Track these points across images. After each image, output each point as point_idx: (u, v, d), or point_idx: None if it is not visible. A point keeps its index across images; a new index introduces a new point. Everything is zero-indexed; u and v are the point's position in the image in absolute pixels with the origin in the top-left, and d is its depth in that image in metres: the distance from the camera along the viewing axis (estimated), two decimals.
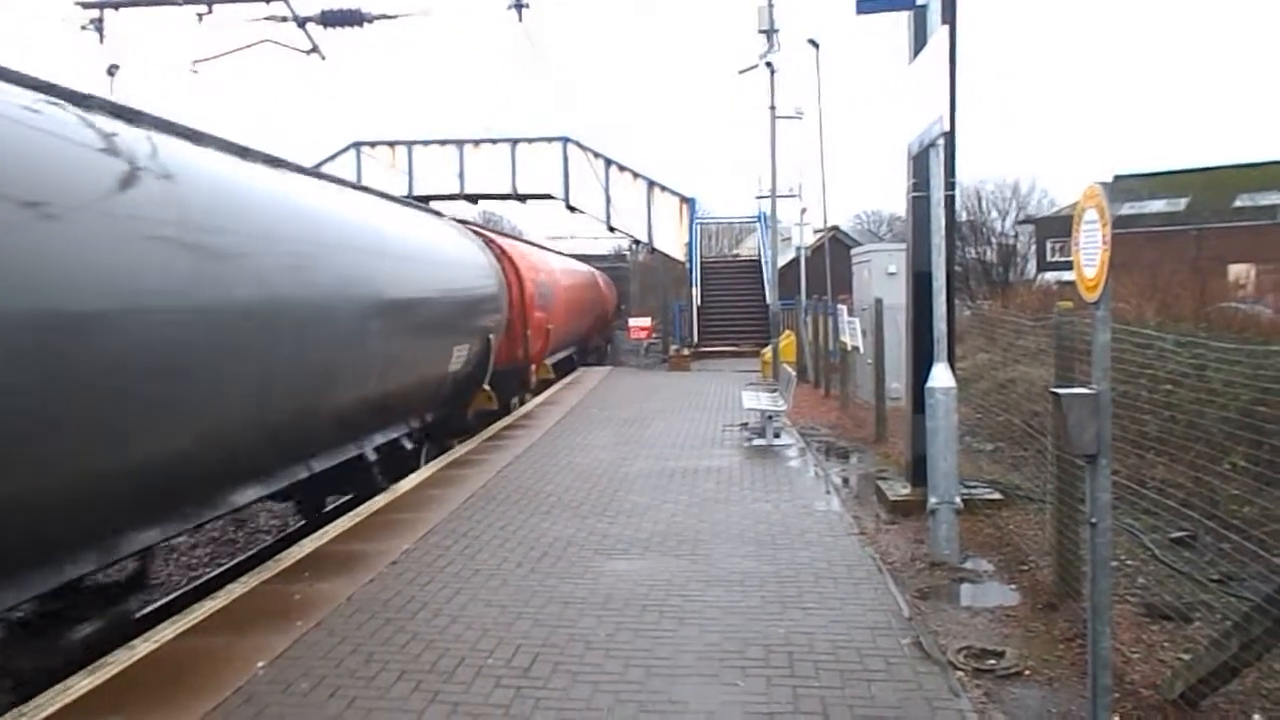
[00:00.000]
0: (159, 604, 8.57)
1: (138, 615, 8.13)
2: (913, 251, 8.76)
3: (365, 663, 5.23)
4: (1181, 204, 45.19)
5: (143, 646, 5.47)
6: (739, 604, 6.08)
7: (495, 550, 7.43)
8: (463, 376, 13.43)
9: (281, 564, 7.15)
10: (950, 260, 7.96)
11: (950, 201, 8.18)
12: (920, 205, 8.26)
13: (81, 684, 4.96)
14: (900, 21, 8.75)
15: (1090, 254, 4.17)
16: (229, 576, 8.44)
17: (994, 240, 49.06)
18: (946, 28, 7.06)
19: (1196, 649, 4.72)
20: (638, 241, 33.89)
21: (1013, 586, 6.60)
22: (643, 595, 6.29)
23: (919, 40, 7.94)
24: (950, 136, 7.62)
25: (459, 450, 12.34)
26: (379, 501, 9.23)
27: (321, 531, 8.11)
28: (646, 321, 31.39)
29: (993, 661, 5.22)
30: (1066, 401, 4.12)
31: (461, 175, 31.95)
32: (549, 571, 6.85)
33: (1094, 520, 4.12)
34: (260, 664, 5.20)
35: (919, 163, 8.17)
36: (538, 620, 5.84)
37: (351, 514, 8.74)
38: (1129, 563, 6.45)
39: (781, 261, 27.85)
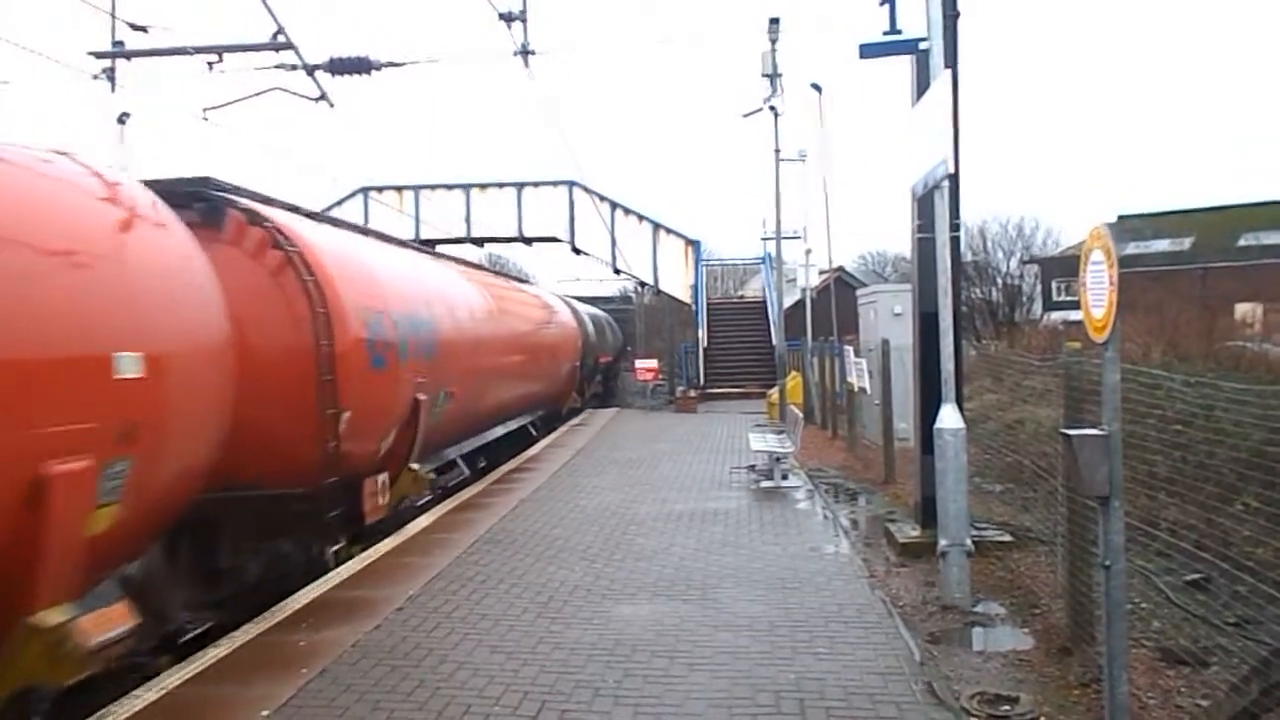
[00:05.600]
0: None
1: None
2: (919, 292, 8.77)
3: (371, 711, 5.17)
4: (1186, 243, 45.31)
5: (146, 695, 5.42)
6: (749, 649, 6.01)
7: (502, 595, 7.37)
8: None
9: (287, 610, 7.09)
10: (956, 300, 7.97)
11: (955, 242, 8.19)
12: (925, 246, 8.28)
13: None
14: (904, 65, 8.84)
15: (1098, 294, 4.16)
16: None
17: (999, 280, 49.11)
18: (949, 71, 7.13)
19: (1215, 695, 4.64)
20: (643, 284, 33.98)
21: (1026, 630, 6.52)
22: (651, 640, 6.22)
23: (922, 83, 8.01)
24: (954, 178, 7.65)
25: (466, 493, 12.29)
26: (385, 546, 9.18)
27: (327, 577, 8.06)
28: (653, 363, 31.34)
29: (1007, 707, 5.14)
30: (1078, 443, 4.09)
31: (468, 219, 32.12)
32: (556, 616, 6.79)
33: (1108, 563, 4.08)
34: (265, 713, 5.14)
35: (924, 204, 8.20)
36: (544, 666, 5.77)
37: (357, 559, 8.69)
38: (1143, 606, 6.36)
39: (787, 303, 27.92)
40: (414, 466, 10.36)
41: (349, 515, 8.94)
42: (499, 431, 15.89)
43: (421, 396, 10.19)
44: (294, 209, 9.52)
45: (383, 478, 9.64)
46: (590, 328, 28.00)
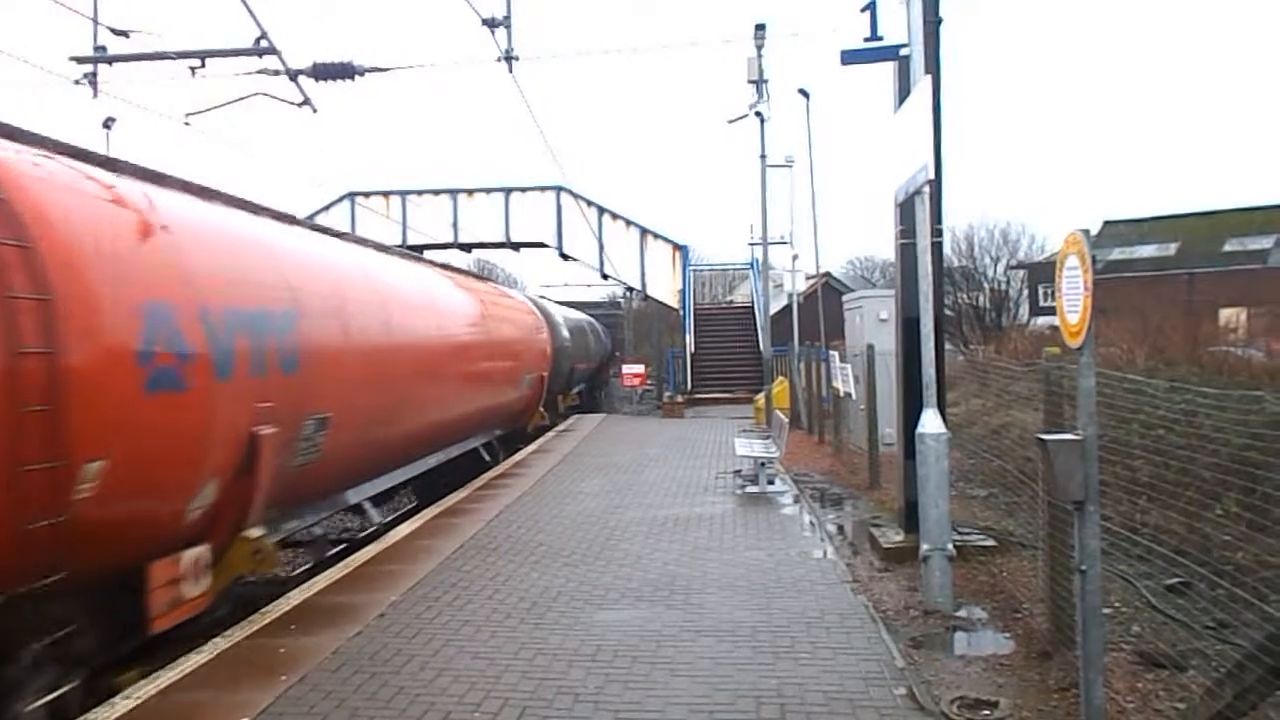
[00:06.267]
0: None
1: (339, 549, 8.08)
2: (902, 298, 8.80)
3: (349, 717, 5.15)
4: (1172, 248, 45.58)
5: (124, 703, 5.38)
6: (730, 654, 6.01)
7: (484, 601, 7.35)
8: None
9: (268, 617, 7.06)
10: (939, 306, 7.99)
11: (938, 248, 8.22)
12: (908, 252, 8.30)
13: None
14: (888, 71, 8.87)
15: (1073, 300, 4.18)
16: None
17: (986, 285, 49.30)
18: (929, 78, 7.15)
19: (1191, 698, 4.66)
20: (631, 289, 34.04)
21: (1007, 634, 6.53)
22: (633, 646, 6.21)
23: (904, 90, 8.04)
24: (936, 184, 7.68)
25: (451, 499, 12.26)
26: (369, 552, 9.15)
27: (309, 583, 8.03)
28: (640, 369, 31.42)
29: (986, 712, 5.15)
30: (1053, 448, 4.11)
31: (455, 224, 32.15)
32: (538, 623, 6.78)
33: (1083, 567, 4.09)
34: None
35: (906, 210, 8.23)
36: (526, 673, 5.76)
37: (340, 565, 8.66)
38: (1123, 610, 6.40)
39: (774, 308, 28.00)
40: (253, 533, 7.10)
41: (116, 626, 6.10)
42: (431, 462, 12.95)
43: (265, 429, 7.06)
44: (48, 142, 6.25)
45: (194, 555, 6.58)
46: (565, 332, 25.50)
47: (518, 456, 16.77)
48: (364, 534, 10.78)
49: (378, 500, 10.96)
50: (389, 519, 11.70)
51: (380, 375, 9.93)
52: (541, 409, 20.97)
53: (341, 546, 10.56)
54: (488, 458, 16.10)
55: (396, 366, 10.54)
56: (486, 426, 16.25)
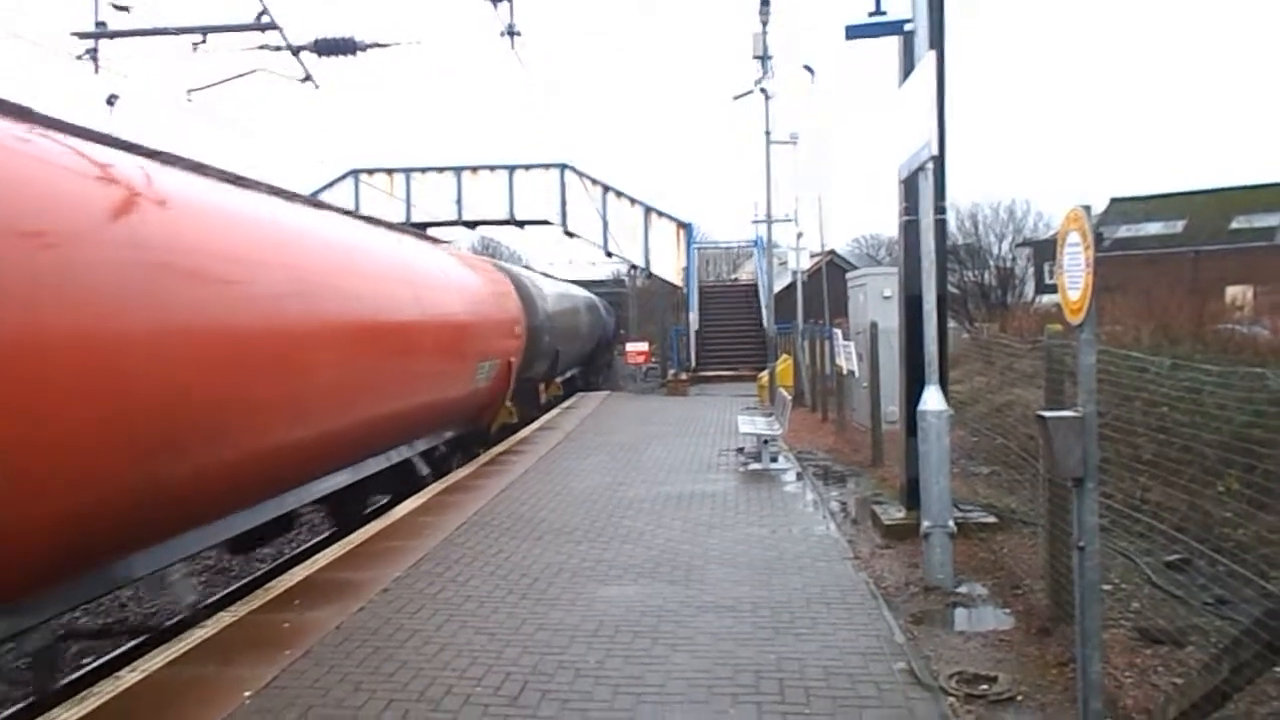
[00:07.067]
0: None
1: (127, 646, 8.11)
2: (905, 275, 8.78)
3: (353, 691, 5.19)
4: (1178, 226, 45.41)
5: (129, 676, 5.44)
6: (731, 630, 6.04)
7: (487, 577, 7.39)
8: None
9: (272, 592, 7.10)
10: (942, 283, 7.96)
11: (941, 225, 8.19)
12: (911, 229, 8.28)
13: (65, 715, 4.92)
14: (893, 46, 8.81)
15: (1074, 277, 4.18)
16: (221, 605, 8.37)
17: (992, 263, 49.19)
18: (934, 53, 7.09)
19: (1189, 673, 4.68)
20: (635, 267, 33.96)
21: (1007, 610, 6.56)
22: (634, 622, 6.25)
23: (908, 65, 7.99)
24: (939, 161, 7.63)
25: (453, 476, 12.29)
26: (371, 529, 9.19)
27: (313, 559, 8.08)
28: (644, 346, 31.37)
29: (985, 687, 5.18)
30: (1052, 425, 4.11)
31: (459, 202, 32.04)
32: (540, 598, 6.81)
33: (1081, 544, 4.10)
34: (247, 694, 5.15)
35: (909, 186, 8.20)
36: (527, 647, 5.80)
37: (343, 541, 8.71)
38: (1123, 586, 6.41)
39: (778, 286, 27.91)
40: None
41: None
42: (323, 488, 9.32)
43: None
44: None
45: None
46: (546, 307, 20.77)
47: (523, 433, 16.79)
48: (170, 623, 7.61)
49: (230, 549, 8.11)
50: (237, 584, 9.44)
51: (164, 368, 6.11)
52: (509, 404, 16.65)
53: (126, 646, 7.84)
54: (426, 470, 12.26)
55: (211, 351, 6.71)
56: (419, 432, 12.16)
